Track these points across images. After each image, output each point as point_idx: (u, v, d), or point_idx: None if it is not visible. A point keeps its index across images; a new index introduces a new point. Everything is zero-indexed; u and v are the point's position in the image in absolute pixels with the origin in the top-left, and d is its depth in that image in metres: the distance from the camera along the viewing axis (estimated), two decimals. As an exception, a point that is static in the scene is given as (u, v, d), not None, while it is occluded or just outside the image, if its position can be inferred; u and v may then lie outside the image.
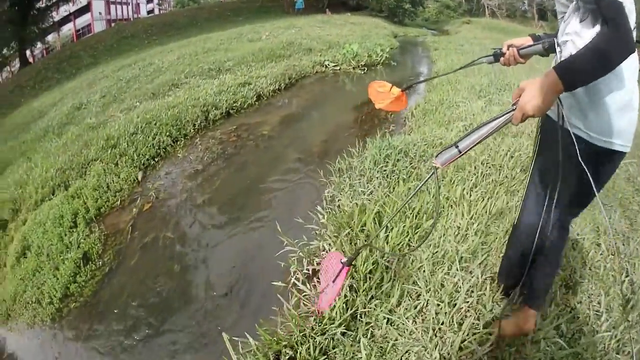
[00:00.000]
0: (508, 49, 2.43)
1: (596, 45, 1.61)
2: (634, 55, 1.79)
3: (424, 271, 3.16)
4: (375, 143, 5.34)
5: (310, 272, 3.53)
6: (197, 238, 4.74)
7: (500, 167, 4.73)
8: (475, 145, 1.89)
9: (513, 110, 1.78)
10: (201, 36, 20.31)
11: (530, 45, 2.35)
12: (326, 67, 12.29)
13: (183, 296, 3.96)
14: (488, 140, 5.28)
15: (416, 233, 3.60)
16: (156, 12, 52.28)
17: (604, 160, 1.99)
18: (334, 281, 2.38)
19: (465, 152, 1.91)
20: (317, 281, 3.27)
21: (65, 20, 39.61)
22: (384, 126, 7.00)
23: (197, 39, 19.77)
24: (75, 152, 7.44)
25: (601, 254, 3.55)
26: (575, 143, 1.81)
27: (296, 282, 3.38)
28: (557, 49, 2.07)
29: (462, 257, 3.26)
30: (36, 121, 13.48)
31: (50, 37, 38.56)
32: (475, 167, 4.66)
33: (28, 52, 35.49)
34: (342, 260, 2.36)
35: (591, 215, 4.05)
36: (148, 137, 7.11)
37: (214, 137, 7.28)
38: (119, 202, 5.75)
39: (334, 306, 2.76)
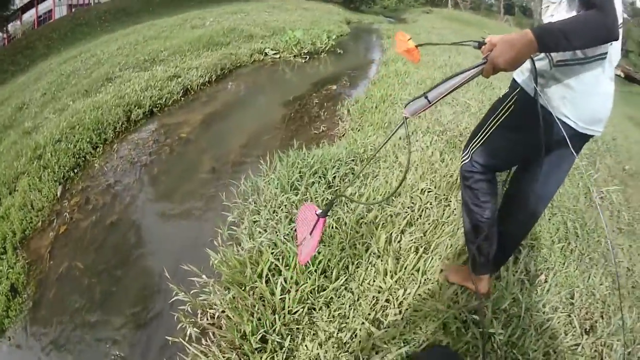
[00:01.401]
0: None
1: (582, 18, 1.58)
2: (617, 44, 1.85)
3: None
4: (288, 159, 4.30)
5: (205, 325, 2.88)
6: (103, 271, 4.05)
7: (447, 199, 3.69)
8: (444, 96, 1.85)
9: (484, 63, 1.73)
10: (147, 23, 18.91)
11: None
12: (265, 55, 11.11)
13: (86, 345, 3.42)
14: (435, 163, 4.23)
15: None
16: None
17: (579, 145, 2.10)
18: (311, 233, 2.22)
19: (435, 102, 1.87)
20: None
21: (29, 5, 37.55)
22: (314, 126, 6.08)
23: (142, 26, 18.33)
24: (8, 163, 6.58)
25: (572, 335, 2.65)
26: (563, 130, 1.88)
27: (187, 344, 2.67)
28: None
29: (374, 346, 2.37)
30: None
31: (11, 26, 36.42)
32: (411, 198, 3.62)
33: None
34: (317, 212, 2.21)
35: (564, 274, 3.14)
36: (70, 144, 6.21)
37: (132, 142, 6.35)
38: (40, 224, 5.05)
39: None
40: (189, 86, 8.34)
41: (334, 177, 3.98)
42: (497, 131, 2.17)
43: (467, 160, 2.36)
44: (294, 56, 11.13)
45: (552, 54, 1.89)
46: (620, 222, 4.29)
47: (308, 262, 2.76)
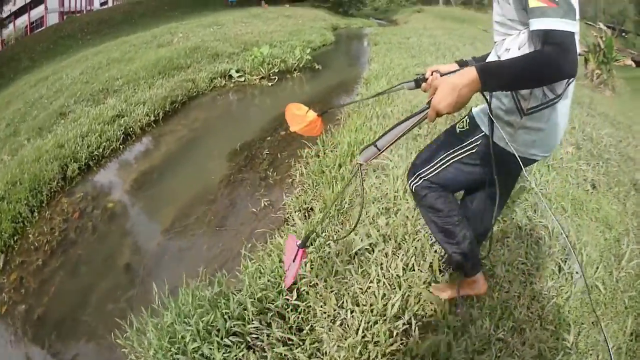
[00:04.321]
0: (432, 75, 2.20)
1: (537, 57, 1.45)
2: None
3: None
4: (166, 319, 2.89)
5: None
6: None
7: None
8: (392, 143, 1.93)
9: (427, 108, 1.68)
10: (120, 39, 17.72)
11: (453, 72, 2.11)
12: (230, 77, 9.75)
13: None
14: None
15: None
16: (110, 3, 49.50)
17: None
18: (293, 261, 2.25)
19: (384, 150, 1.96)
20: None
21: (22, 11, 36.67)
22: (254, 197, 4.79)
23: (114, 43, 17.19)
24: None
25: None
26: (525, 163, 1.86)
27: None
28: None
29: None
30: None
31: (6, 31, 35.65)
32: None
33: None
34: (297, 243, 2.24)
35: None
36: (10, 205, 5.51)
37: (62, 211, 5.43)
38: None
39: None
40: (131, 129, 7.18)
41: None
42: (455, 165, 2.11)
43: (418, 182, 2.25)
44: (261, 78, 9.76)
45: (522, 104, 1.79)
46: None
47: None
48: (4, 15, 34.00)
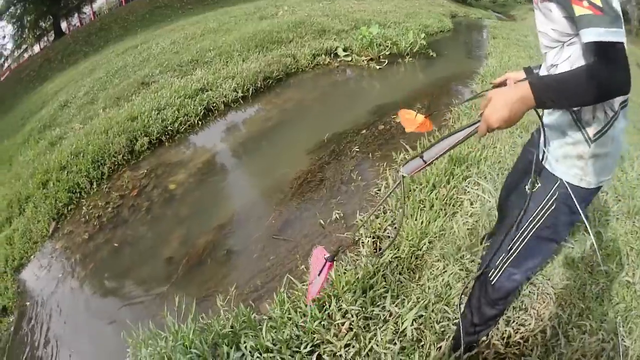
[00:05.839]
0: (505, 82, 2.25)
1: (588, 72, 1.41)
2: None
3: None
4: None
5: None
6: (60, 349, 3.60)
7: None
8: (440, 156, 1.85)
9: (479, 121, 1.63)
10: (222, 10, 17.90)
11: (519, 81, 1.80)
12: (336, 56, 9.31)
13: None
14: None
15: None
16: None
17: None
18: (319, 274, 2.24)
19: (431, 163, 1.88)
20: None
21: None
22: (328, 205, 4.16)
23: (214, 13, 17.53)
24: (24, 180, 6.53)
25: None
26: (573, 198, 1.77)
27: None
28: None
29: None
30: (34, 115, 12.61)
31: (96, 4, 37.76)
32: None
33: (65, 24, 35.06)
34: (325, 256, 2.22)
35: None
36: (70, 175, 5.78)
37: (121, 187, 5.48)
38: (33, 256, 4.95)
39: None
40: (214, 105, 6.97)
41: None
42: (535, 238, 1.89)
43: (498, 275, 2.04)
44: (369, 60, 9.19)
45: (588, 132, 1.65)
46: None
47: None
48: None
